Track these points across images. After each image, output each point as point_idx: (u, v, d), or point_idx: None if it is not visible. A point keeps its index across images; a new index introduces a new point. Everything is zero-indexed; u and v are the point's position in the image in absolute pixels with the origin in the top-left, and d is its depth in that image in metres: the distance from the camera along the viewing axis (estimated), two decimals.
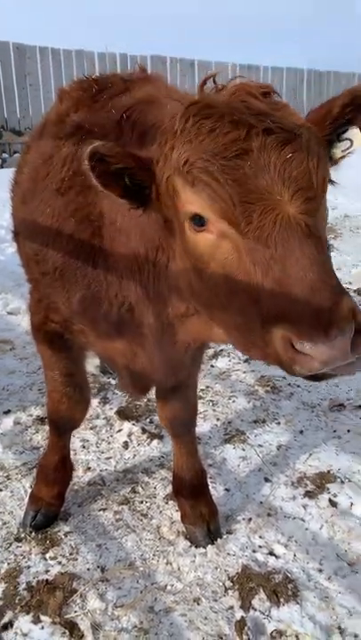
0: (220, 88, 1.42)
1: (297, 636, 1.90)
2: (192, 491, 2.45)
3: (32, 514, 2.44)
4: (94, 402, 3.48)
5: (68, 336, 2.13)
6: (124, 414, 3.33)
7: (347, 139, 1.49)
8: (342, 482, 2.68)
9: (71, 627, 1.97)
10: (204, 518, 2.38)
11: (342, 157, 1.52)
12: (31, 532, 2.40)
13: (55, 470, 2.51)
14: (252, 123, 1.27)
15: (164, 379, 2.08)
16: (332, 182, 1.47)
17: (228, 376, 3.91)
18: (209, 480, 2.73)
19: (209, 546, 2.33)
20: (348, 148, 1.50)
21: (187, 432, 2.48)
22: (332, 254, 5.13)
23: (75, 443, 3.06)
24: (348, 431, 3.14)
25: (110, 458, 2.96)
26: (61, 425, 2.44)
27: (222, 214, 1.28)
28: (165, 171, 1.39)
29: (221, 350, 4.26)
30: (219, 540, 2.37)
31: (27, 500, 2.54)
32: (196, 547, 2.34)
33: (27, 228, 2.02)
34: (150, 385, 2.21)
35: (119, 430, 3.20)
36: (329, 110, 1.44)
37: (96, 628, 1.96)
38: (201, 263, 1.38)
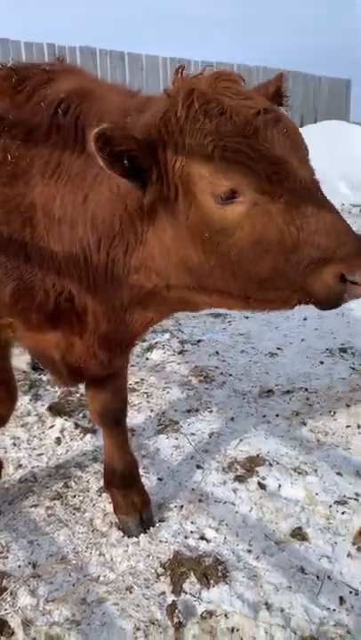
0: (194, 76, 1.57)
1: (226, 615, 1.96)
2: (124, 481, 2.47)
3: None
4: (25, 399, 3.43)
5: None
6: (56, 410, 3.30)
7: None
8: (271, 464, 2.78)
9: (1, 625, 1.94)
10: (136, 508, 2.40)
11: None
12: None
13: None
14: (249, 104, 1.46)
15: (100, 367, 2.05)
16: None
17: (162, 368, 3.95)
18: (142, 470, 2.75)
19: (142, 535, 2.35)
20: None
21: (117, 423, 2.48)
22: None
23: (5, 441, 3.00)
24: (277, 415, 3.25)
25: (42, 454, 2.92)
26: None
27: (256, 186, 1.43)
28: (178, 156, 1.49)
29: (156, 343, 4.30)
30: (151, 528, 2.39)
31: None
32: (129, 536, 2.36)
33: None
34: (85, 375, 2.18)
35: (51, 426, 3.17)
36: (264, 96, 1.67)
37: (27, 624, 1.94)
38: (222, 235, 1.50)
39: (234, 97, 1.47)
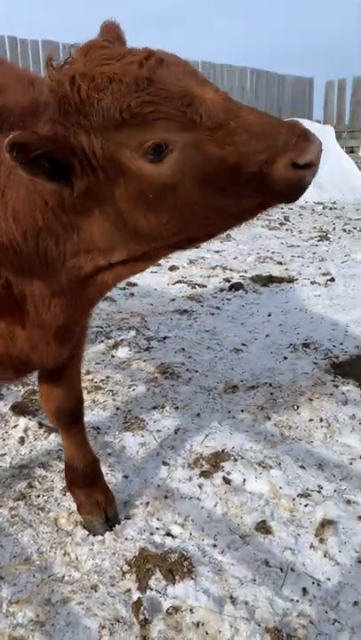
0: (65, 62, 1.51)
1: (191, 610, 1.97)
2: (86, 480, 2.43)
3: None
4: None
5: None
6: (19, 409, 3.25)
7: None
8: (235, 459, 2.80)
9: None
10: (100, 506, 2.38)
11: None
12: None
13: None
14: (129, 61, 1.43)
15: (45, 358, 1.98)
16: None
17: (128, 365, 3.93)
18: (108, 468, 2.75)
19: (107, 533, 2.34)
20: None
21: (74, 423, 2.42)
22: (229, 243, 5.37)
23: None
24: (242, 411, 3.28)
25: (5, 454, 2.88)
26: None
27: (175, 127, 1.41)
28: (93, 139, 1.45)
29: (122, 340, 4.28)
30: (117, 526, 2.39)
31: None
32: (94, 535, 2.35)
33: None
34: (30, 367, 2.09)
35: (15, 426, 3.12)
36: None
37: None
38: (169, 189, 1.47)
39: (112, 62, 1.45)
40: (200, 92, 1.43)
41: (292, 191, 1.48)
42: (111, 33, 1.65)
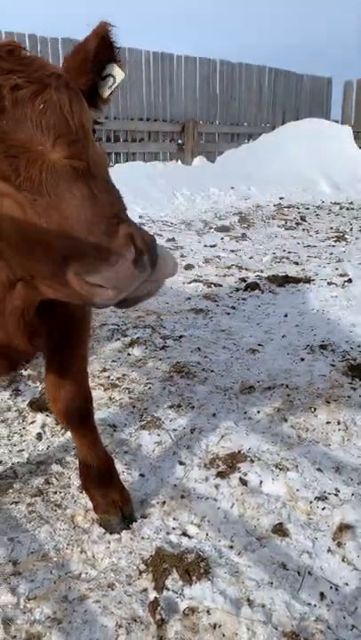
0: None
1: (208, 611, 1.96)
2: (101, 480, 2.40)
3: None
4: (5, 394, 3.39)
5: None
6: (36, 406, 3.26)
7: (109, 75, 1.60)
8: (252, 461, 2.79)
9: None
10: (117, 505, 2.36)
11: (112, 94, 1.63)
12: None
13: None
14: (10, 79, 1.32)
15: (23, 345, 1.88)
16: (98, 123, 1.62)
17: (144, 364, 3.94)
18: (124, 467, 2.75)
19: (123, 531, 2.34)
20: (113, 84, 1.61)
21: (83, 422, 2.34)
22: (245, 243, 5.34)
23: None
24: (258, 412, 3.27)
25: (23, 450, 2.89)
26: None
27: (1, 174, 1.32)
28: None
29: (138, 338, 4.28)
30: (134, 524, 2.39)
31: None
32: (111, 533, 2.35)
33: None
34: (14, 357, 2.02)
35: (32, 422, 3.14)
36: (85, 57, 1.54)
37: (7, 622, 1.92)
38: None
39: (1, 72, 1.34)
40: (40, 150, 1.30)
41: (82, 300, 1.35)
42: (91, 39, 1.55)
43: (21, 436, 3.02)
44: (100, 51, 1.55)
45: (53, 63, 1.56)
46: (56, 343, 2.09)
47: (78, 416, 2.31)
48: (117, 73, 1.60)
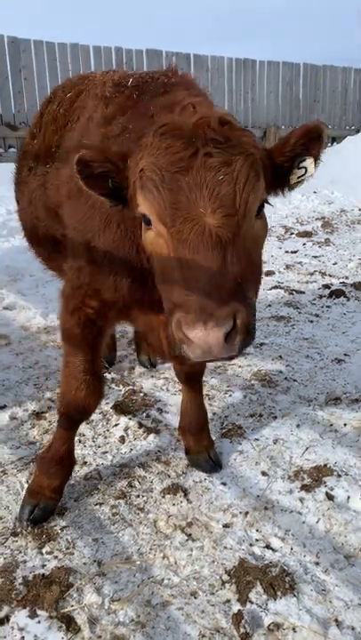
0: (194, 112, 1.67)
1: (294, 629, 1.90)
2: (197, 427, 2.87)
3: (29, 508, 2.43)
4: None
5: (99, 323, 2.34)
6: (120, 409, 3.32)
7: (303, 167, 1.77)
8: (339, 475, 2.68)
9: (68, 621, 1.96)
10: (206, 448, 2.82)
11: (297, 183, 1.81)
12: (28, 527, 2.39)
13: (59, 463, 2.53)
14: (198, 146, 1.53)
15: None
16: (268, 203, 1.77)
17: (224, 370, 3.91)
18: (206, 474, 2.74)
19: (206, 539, 2.33)
20: (303, 175, 1.79)
21: (198, 382, 2.88)
22: (328, 248, 5.20)
23: None
24: (345, 425, 3.14)
25: (107, 452, 2.95)
26: (74, 415, 2.50)
27: (158, 216, 1.57)
28: (132, 176, 1.68)
29: None
30: (216, 534, 2.36)
31: (24, 494, 2.53)
32: (202, 471, 2.76)
33: (77, 219, 2.20)
34: None
35: (116, 425, 3.19)
36: (287, 140, 1.74)
37: (93, 622, 1.95)
38: (150, 254, 1.75)
39: (198, 137, 1.55)
40: (199, 212, 1.49)
41: (174, 346, 1.52)
42: (294, 135, 1.74)
43: (105, 437, 3.09)
44: (301, 141, 1.72)
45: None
46: None
47: (197, 378, 2.88)
48: (310, 168, 1.76)
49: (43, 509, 2.44)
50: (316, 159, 1.75)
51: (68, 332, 2.41)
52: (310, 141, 1.72)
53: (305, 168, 1.77)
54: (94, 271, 2.17)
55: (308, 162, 1.75)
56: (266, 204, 1.75)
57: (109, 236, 2.07)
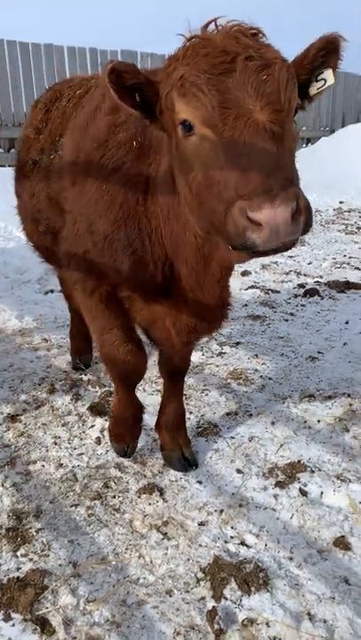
0: (220, 29, 1.71)
1: (268, 624, 1.92)
2: (173, 425, 2.89)
3: (124, 447, 2.84)
4: (66, 398, 3.47)
5: (120, 294, 2.40)
6: (96, 410, 3.32)
7: (322, 78, 1.81)
8: (312, 471, 2.72)
9: (42, 623, 1.95)
10: (180, 446, 2.83)
11: (317, 94, 1.85)
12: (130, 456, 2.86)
13: (134, 421, 2.83)
14: (238, 51, 1.57)
15: (200, 331, 2.41)
16: (302, 108, 1.83)
17: (201, 370, 3.93)
18: (182, 473, 2.75)
19: (181, 538, 2.34)
20: (322, 86, 1.82)
21: (180, 379, 2.90)
22: (303, 248, 5.25)
23: (46, 439, 3.04)
24: (319, 421, 3.19)
25: (83, 454, 2.94)
26: (130, 377, 2.68)
27: (204, 119, 1.56)
28: (166, 87, 1.69)
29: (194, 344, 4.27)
30: (191, 532, 2.38)
31: (110, 440, 2.91)
32: (174, 470, 2.79)
33: (81, 204, 2.30)
34: (192, 340, 2.50)
35: (92, 426, 3.19)
36: (307, 53, 1.76)
37: (67, 623, 1.95)
38: (189, 166, 1.68)
39: (233, 45, 1.59)
40: (249, 108, 1.51)
41: (236, 236, 1.48)
42: (313, 47, 1.77)
43: (81, 439, 3.08)
44: (321, 52, 1.76)
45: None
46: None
47: (179, 375, 2.88)
48: (330, 78, 1.80)
49: (132, 450, 2.87)
50: (335, 70, 1.79)
51: (94, 312, 2.50)
52: (328, 53, 1.77)
53: (324, 80, 1.81)
54: (99, 253, 2.25)
55: (328, 73, 1.79)
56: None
57: (111, 217, 2.16)
